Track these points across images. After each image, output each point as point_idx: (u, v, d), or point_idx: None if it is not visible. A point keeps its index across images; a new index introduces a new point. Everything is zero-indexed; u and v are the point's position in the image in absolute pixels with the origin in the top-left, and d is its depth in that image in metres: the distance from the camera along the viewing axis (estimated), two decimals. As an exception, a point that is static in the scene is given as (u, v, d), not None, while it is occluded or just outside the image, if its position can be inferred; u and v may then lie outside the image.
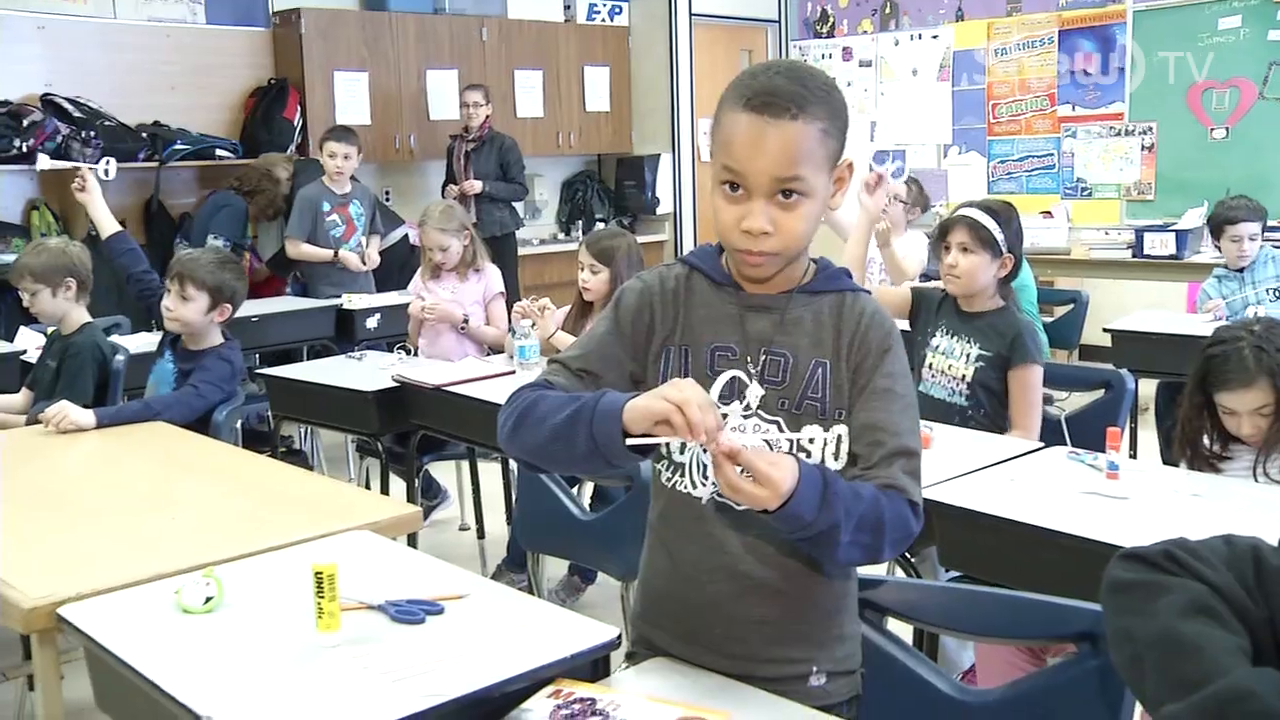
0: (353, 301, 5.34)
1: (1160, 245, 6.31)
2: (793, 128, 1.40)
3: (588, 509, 2.69)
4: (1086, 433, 3.02)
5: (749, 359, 1.51)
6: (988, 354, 2.99)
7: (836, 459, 1.50)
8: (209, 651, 1.55)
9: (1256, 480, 2.43)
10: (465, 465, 4.21)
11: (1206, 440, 2.56)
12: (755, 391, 1.49)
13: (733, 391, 1.45)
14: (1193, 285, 5.91)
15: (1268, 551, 1.20)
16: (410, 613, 1.61)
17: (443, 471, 4.49)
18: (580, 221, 8.16)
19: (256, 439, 3.99)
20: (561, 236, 8.14)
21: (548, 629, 1.57)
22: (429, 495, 4.52)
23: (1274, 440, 2.43)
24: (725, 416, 1.42)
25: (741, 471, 1.33)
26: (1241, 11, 6.55)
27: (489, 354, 4.26)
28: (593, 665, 1.52)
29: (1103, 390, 3.31)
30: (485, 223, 6.63)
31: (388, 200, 7.13)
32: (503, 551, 3.88)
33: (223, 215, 5.85)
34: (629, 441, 1.37)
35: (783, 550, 1.50)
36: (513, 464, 3.73)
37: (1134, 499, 2.26)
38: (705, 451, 1.43)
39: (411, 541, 2.67)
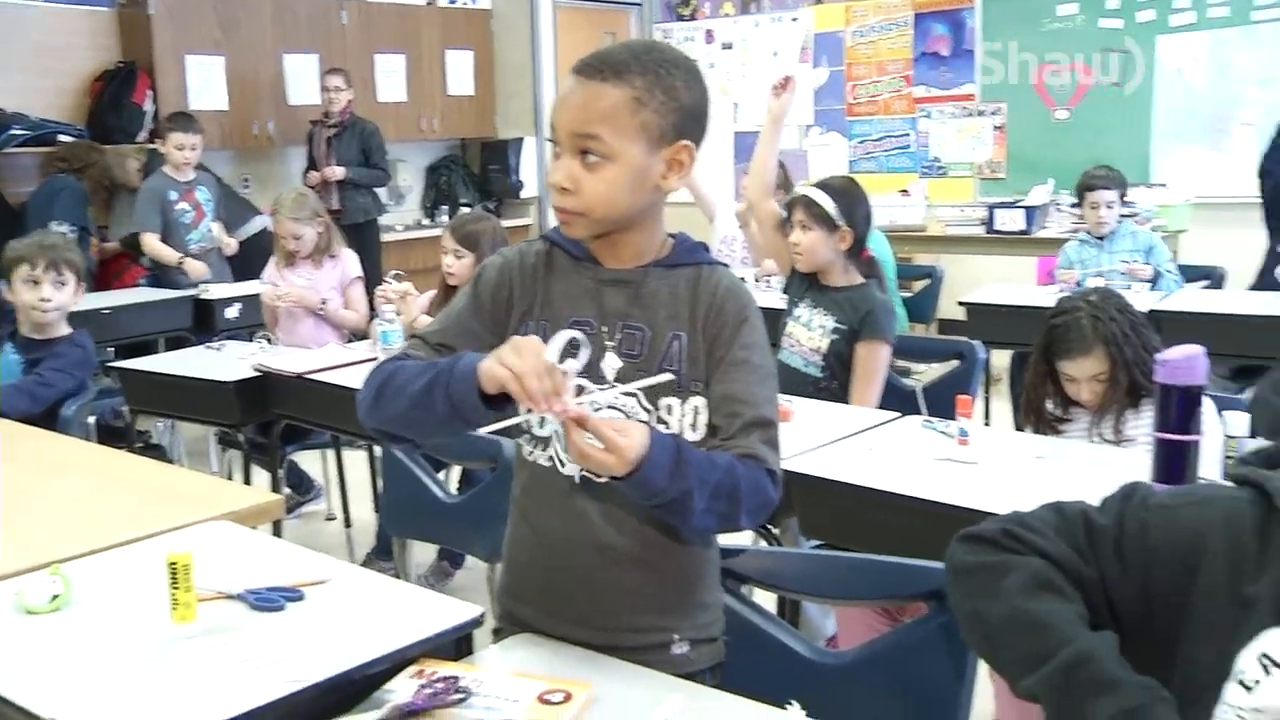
0: (210, 291, 5.21)
1: (1010, 221, 6.56)
2: (599, 88, 1.43)
3: (455, 492, 2.68)
4: (941, 402, 3.14)
5: (606, 332, 1.52)
6: (842, 327, 3.08)
7: (695, 430, 1.53)
8: (55, 652, 1.49)
9: (1093, 441, 2.56)
10: (330, 454, 4.14)
11: (1050, 405, 2.67)
12: (613, 364, 1.50)
13: (575, 352, 1.45)
14: (1042, 260, 6.15)
15: (1094, 514, 1.28)
16: (269, 600, 1.59)
17: (307, 462, 4.41)
18: (445, 207, 8.08)
19: (112, 435, 3.86)
20: (426, 222, 8.05)
21: (410, 610, 1.56)
22: (301, 490, 4.44)
23: (1108, 405, 2.56)
24: (581, 390, 1.43)
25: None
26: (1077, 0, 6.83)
27: (350, 340, 4.21)
28: (456, 644, 1.52)
29: (956, 361, 3.44)
30: (349, 209, 6.52)
31: (246, 188, 6.95)
32: (371, 541, 3.84)
33: (63, 199, 5.59)
34: (483, 431, 1.37)
35: (643, 520, 1.52)
36: (379, 451, 3.70)
37: (983, 463, 2.36)
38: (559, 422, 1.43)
39: (276, 533, 2.62)
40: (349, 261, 4.42)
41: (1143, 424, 2.51)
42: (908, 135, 7.65)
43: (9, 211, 5.92)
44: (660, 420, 1.51)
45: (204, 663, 1.43)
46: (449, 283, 3.70)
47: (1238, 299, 4.53)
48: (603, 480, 1.50)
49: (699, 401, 1.52)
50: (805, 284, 3.23)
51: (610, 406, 1.50)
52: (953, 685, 1.61)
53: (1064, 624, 1.19)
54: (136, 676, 1.41)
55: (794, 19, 8.04)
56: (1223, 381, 4.02)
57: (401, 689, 1.39)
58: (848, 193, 3.18)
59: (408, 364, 1.49)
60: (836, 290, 3.15)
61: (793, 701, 1.36)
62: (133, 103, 6.33)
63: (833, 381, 3.09)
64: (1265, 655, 1.14)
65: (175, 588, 1.51)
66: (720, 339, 1.52)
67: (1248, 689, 1.15)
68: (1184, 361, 1.98)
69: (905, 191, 7.44)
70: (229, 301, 5.16)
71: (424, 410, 1.42)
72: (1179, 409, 2.00)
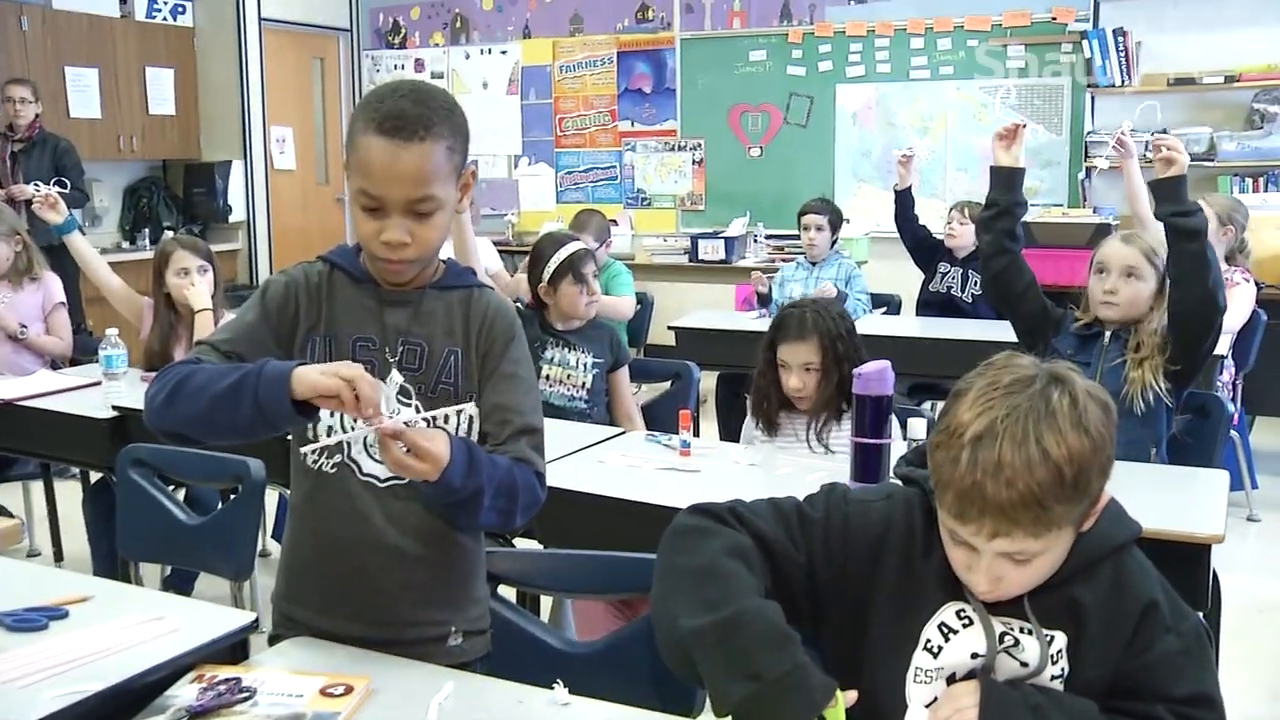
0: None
1: (711, 251, 7.03)
2: (420, 150, 1.53)
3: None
4: (659, 419, 3.39)
5: (388, 348, 1.64)
6: (600, 360, 3.33)
7: (470, 437, 1.66)
8: None
9: (810, 446, 2.78)
10: (37, 486, 3.92)
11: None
12: (395, 378, 1.61)
13: (405, 400, 1.58)
14: (740, 286, 6.59)
15: (805, 507, 1.52)
16: (29, 620, 1.58)
17: (7, 495, 4.13)
18: (147, 230, 7.73)
19: None
20: (126, 245, 7.66)
21: (182, 619, 1.60)
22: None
23: (820, 405, 2.78)
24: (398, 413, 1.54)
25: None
26: (765, 47, 7.41)
27: (55, 367, 4.02)
28: (232, 650, 1.58)
29: (672, 381, 3.71)
30: (38, 231, 6.12)
31: (-83, 205, 6.41)
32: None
33: None
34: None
35: (423, 520, 1.65)
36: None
37: (704, 471, 2.60)
38: (357, 428, 1.51)
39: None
40: (52, 285, 4.24)
41: (844, 438, 2.80)
42: (614, 167, 8.00)
43: None
44: (439, 428, 1.63)
45: (-30, 684, 1.42)
46: (196, 305, 3.58)
47: (912, 324, 5.06)
48: (386, 484, 1.63)
49: (472, 410, 1.66)
50: (541, 327, 3.38)
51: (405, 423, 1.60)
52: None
53: (744, 585, 1.37)
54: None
55: (503, 51, 8.25)
56: (902, 398, 4.50)
57: (184, 694, 1.44)
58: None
59: (205, 365, 1.54)
60: (584, 328, 3.40)
61: (558, 681, 1.51)
62: None
63: (596, 410, 3.30)
64: (943, 624, 1.41)
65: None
66: (491, 354, 1.67)
67: (933, 654, 1.41)
68: (876, 374, 2.29)
69: (614, 221, 7.77)
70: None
71: (227, 411, 1.47)
72: (872, 416, 2.30)
